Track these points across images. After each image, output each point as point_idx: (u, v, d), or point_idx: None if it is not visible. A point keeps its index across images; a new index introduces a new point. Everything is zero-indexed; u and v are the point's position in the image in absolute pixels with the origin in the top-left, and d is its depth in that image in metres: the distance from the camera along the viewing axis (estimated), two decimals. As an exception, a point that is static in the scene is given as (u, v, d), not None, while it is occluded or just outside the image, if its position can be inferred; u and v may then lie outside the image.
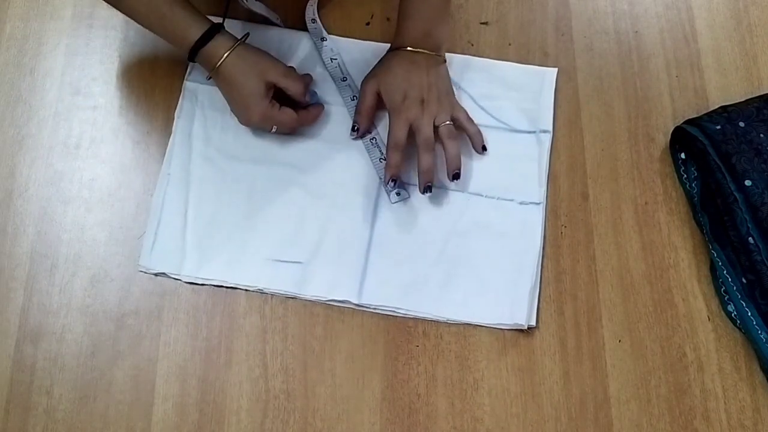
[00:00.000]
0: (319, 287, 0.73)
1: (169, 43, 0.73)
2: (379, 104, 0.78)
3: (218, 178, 0.76)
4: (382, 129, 0.79)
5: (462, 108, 0.78)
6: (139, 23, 0.73)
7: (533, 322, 0.72)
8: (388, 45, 0.82)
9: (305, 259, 0.74)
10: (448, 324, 0.72)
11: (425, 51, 0.75)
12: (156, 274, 0.73)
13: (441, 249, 0.75)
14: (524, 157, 0.79)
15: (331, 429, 0.69)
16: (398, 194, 0.76)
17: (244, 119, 0.75)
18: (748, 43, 0.86)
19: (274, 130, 0.76)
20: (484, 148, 0.78)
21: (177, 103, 0.79)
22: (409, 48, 0.75)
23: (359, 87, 0.79)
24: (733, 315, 0.72)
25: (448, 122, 0.76)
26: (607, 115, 0.82)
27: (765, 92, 0.80)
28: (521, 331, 0.72)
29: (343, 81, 0.81)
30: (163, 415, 0.69)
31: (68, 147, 0.78)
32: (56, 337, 0.71)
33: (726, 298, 0.73)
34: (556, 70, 0.83)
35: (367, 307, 0.72)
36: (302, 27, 0.84)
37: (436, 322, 0.72)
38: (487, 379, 0.70)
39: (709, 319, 0.73)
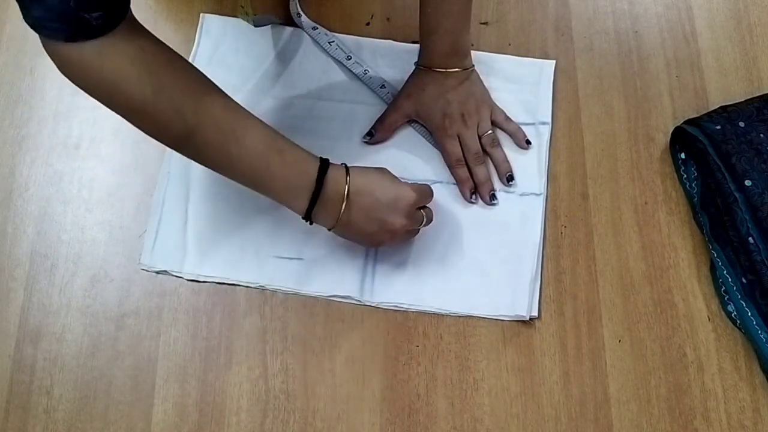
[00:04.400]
0: (321, 284, 0.73)
1: (273, 191, 0.64)
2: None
3: (218, 176, 0.76)
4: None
5: (499, 109, 0.80)
6: (244, 172, 0.64)
7: (535, 313, 0.72)
8: (388, 41, 0.83)
9: (306, 255, 0.74)
10: (448, 324, 0.72)
11: (456, 69, 0.76)
12: (157, 272, 0.73)
13: (442, 242, 0.75)
14: (524, 148, 0.79)
15: (331, 429, 0.69)
16: (493, 197, 0.77)
17: (399, 212, 0.66)
18: (748, 43, 0.86)
19: (424, 221, 0.70)
20: (528, 142, 0.79)
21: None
22: (439, 69, 0.75)
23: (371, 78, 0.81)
24: (733, 315, 0.72)
25: (489, 131, 0.78)
26: (607, 115, 0.82)
27: (765, 92, 0.80)
28: (521, 331, 0.72)
29: (349, 59, 0.82)
30: (163, 415, 0.69)
31: (68, 147, 0.78)
32: (56, 337, 0.71)
33: (726, 298, 0.73)
34: (554, 62, 0.83)
35: (369, 303, 0.72)
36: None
37: (436, 322, 0.72)
38: (487, 379, 0.70)
39: (709, 319, 0.73)
